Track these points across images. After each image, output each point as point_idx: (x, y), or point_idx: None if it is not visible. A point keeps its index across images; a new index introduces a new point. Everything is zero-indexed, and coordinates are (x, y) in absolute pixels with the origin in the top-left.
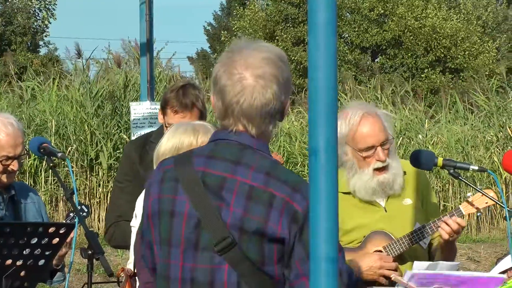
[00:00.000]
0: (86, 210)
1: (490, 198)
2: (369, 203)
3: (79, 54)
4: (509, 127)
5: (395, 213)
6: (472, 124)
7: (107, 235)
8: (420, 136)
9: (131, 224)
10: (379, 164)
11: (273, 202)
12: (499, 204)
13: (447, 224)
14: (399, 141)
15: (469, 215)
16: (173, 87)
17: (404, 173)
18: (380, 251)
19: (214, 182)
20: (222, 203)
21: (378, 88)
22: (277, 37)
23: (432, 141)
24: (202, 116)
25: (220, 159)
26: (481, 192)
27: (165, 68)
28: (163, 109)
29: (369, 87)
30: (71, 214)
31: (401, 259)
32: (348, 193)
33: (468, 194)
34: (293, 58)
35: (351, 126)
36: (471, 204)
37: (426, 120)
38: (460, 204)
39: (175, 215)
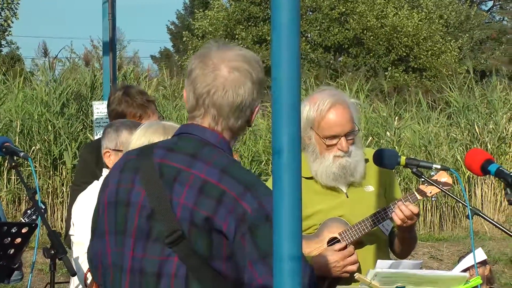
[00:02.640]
0: (43, 207)
1: (440, 189)
2: (331, 189)
3: (45, 52)
4: (477, 126)
5: (356, 199)
6: (436, 123)
7: (66, 239)
8: (388, 133)
9: (70, 232)
10: (340, 153)
11: (223, 199)
12: (454, 197)
13: (400, 209)
14: (367, 142)
15: (431, 213)
16: (116, 100)
17: (367, 160)
18: (336, 237)
19: (169, 174)
20: (173, 195)
21: (346, 86)
22: (237, 36)
23: (399, 140)
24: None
25: (179, 152)
26: (434, 184)
27: (131, 65)
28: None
29: (338, 85)
30: (29, 211)
31: (359, 244)
32: (310, 178)
33: (433, 172)
34: None
35: (319, 112)
36: (425, 189)
37: (396, 118)
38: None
39: (130, 205)
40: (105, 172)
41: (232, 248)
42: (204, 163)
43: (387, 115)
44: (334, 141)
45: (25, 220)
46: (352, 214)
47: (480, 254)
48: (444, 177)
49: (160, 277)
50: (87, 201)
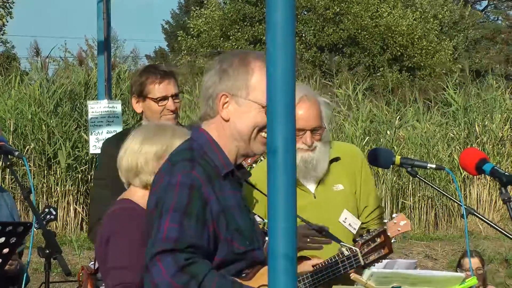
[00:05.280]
0: (54, 213)
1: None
2: (298, 188)
3: (37, 52)
4: (478, 125)
5: (324, 199)
6: (434, 123)
7: (91, 233)
8: (388, 132)
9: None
10: (304, 147)
11: (155, 179)
12: (449, 197)
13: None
14: (365, 140)
15: (426, 213)
16: (137, 72)
17: (338, 158)
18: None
19: None
20: None
21: (345, 85)
22: (231, 37)
23: (397, 139)
24: (177, 82)
25: None
26: (428, 183)
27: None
28: (141, 93)
29: (334, 84)
30: (46, 210)
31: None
32: None
33: (394, 215)
34: None
35: None
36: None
37: (397, 118)
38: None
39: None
40: None
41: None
42: None
43: (389, 114)
44: (300, 134)
45: (35, 226)
46: (319, 217)
47: None
48: (403, 220)
49: None
50: None
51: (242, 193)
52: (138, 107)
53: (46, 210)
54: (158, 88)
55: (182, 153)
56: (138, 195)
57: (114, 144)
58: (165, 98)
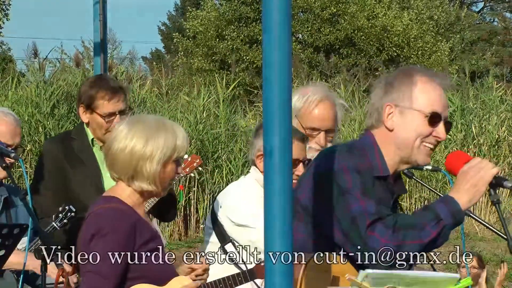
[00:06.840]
0: (74, 210)
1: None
2: None
3: (35, 54)
4: (474, 126)
5: None
6: None
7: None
8: None
9: (251, 238)
10: (316, 146)
11: None
12: None
13: None
14: None
15: None
16: (88, 83)
17: None
18: None
19: None
20: None
21: (342, 85)
22: (226, 37)
23: None
24: (126, 98)
25: None
26: (425, 185)
27: (127, 65)
28: (89, 106)
29: (331, 85)
30: (60, 215)
31: None
32: None
33: None
34: (244, 58)
35: (307, 103)
36: None
37: None
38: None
39: None
40: (255, 172)
41: None
42: None
43: None
44: (314, 134)
45: (57, 225)
46: None
47: None
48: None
49: None
50: (252, 193)
51: (392, 199)
52: (84, 117)
53: (66, 207)
54: (106, 105)
55: (340, 146)
56: (126, 193)
57: (56, 146)
58: (112, 114)
